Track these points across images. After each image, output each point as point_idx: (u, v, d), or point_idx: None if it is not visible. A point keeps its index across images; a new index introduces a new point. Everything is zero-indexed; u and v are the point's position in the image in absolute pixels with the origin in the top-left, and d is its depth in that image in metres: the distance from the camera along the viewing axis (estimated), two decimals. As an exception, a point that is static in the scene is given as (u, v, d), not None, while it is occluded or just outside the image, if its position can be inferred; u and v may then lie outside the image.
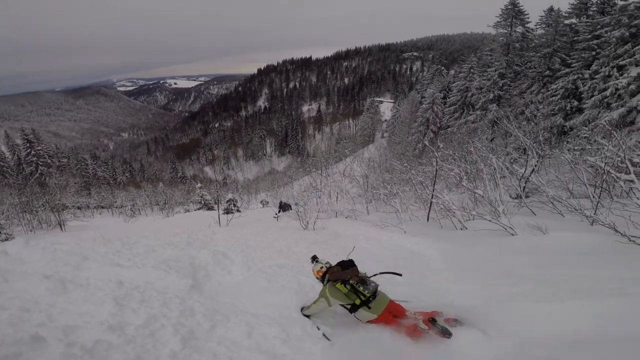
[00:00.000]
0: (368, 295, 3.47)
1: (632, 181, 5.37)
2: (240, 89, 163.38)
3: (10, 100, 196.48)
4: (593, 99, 12.75)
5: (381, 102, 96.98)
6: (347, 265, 3.81)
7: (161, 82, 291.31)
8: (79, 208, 25.94)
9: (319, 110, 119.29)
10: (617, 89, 10.62)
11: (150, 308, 3.85)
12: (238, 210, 16.51)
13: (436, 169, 9.04)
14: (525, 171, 8.46)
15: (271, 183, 36.17)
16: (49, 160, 44.72)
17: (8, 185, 27.56)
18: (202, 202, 21.67)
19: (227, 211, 15.87)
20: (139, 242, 6.66)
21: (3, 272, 4.40)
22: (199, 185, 23.86)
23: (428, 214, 8.83)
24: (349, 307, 3.61)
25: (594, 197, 6.16)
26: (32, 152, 43.34)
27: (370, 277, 3.76)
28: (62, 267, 5.02)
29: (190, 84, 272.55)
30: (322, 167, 20.79)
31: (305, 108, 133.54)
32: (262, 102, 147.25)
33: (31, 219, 13.02)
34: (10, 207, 15.61)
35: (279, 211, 13.39)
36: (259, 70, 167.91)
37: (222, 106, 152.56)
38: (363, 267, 4.32)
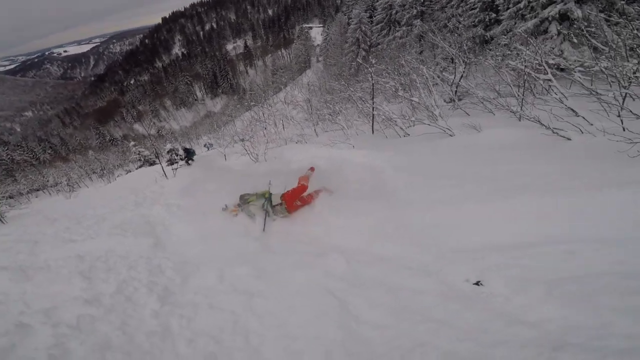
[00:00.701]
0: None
1: (550, 80, 5.76)
2: (147, 41, 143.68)
3: None
4: (509, 11, 13.28)
5: (310, 28, 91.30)
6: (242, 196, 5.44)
7: (47, 53, 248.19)
8: (11, 197, 23.14)
9: (246, 46, 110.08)
10: (529, 2, 11.09)
11: (118, 274, 3.82)
12: (182, 159, 15.67)
13: (372, 84, 9.02)
14: (454, 78, 8.79)
15: (210, 125, 34.37)
16: None
17: None
18: (142, 160, 20.33)
19: (171, 162, 14.87)
20: (87, 214, 6.27)
21: None
22: (133, 143, 22.04)
23: (372, 126, 8.94)
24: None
25: (518, 95, 6.52)
26: None
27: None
28: (17, 256, 4.74)
29: (84, 48, 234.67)
30: (262, 99, 19.84)
31: (230, 47, 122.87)
32: (177, 50, 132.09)
33: None
34: None
35: (184, 159, 10.60)
36: (164, 19, 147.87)
37: (131, 62, 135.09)
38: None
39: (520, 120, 6.04)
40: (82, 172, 28.29)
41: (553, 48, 9.64)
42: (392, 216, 4.15)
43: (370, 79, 9.17)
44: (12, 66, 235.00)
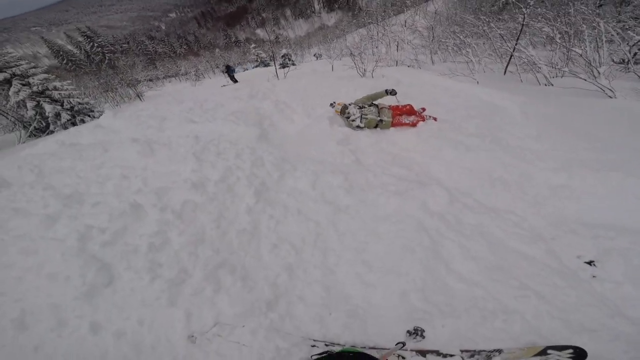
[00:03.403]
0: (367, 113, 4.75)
1: None
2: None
3: (53, 9, 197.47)
4: None
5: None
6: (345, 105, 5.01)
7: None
8: (150, 80, 27.84)
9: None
10: None
11: (225, 160, 3.89)
12: (293, 64, 15.95)
13: (522, 24, 7.37)
14: None
15: (323, 37, 33.87)
16: (112, 48, 49.33)
17: (85, 73, 30.86)
18: (259, 60, 21.67)
19: (283, 65, 15.37)
20: (208, 100, 6.84)
21: (103, 144, 4.69)
22: (253, 45, 23.13)
23: (506, 66, 7.56)
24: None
25: None
26: (95, 44, 48.24)
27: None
28: (147, 130, 5.26)
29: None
30: (379, 17, 18.00)
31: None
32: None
33: (114, 95, 14.12)
34: (93, 90, 17.62)
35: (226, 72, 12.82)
36: None
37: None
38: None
39: None
40: (208, 66, 31.42)
41: None
42: (513, 164, 3.43)
43: (520, 19, 7.66)
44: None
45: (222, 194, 3.30)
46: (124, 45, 55.70)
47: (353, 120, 4.73)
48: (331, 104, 5.31)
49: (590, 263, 2.35)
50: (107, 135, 5.36)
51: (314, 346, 1.94)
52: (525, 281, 2.22)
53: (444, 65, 9.00)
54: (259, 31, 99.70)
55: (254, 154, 4.08)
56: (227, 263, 2.58)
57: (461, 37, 10.15)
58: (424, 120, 4.64)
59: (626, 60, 6.61)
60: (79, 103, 9.43)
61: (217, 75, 25.29)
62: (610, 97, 4.98)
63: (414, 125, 4.63)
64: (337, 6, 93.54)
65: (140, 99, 10.09)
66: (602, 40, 6.03)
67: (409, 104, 4.83)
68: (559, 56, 7.50)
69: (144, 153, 4.10)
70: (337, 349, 1.88)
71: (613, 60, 7.11)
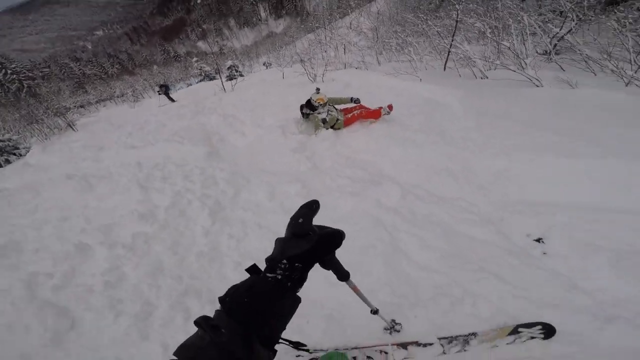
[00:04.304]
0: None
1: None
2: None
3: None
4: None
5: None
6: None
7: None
8: (81, 106, 26.23)
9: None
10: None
11: (173, 184, 3.87)
12: (241, 75, 16.06)
13: (457, 20, 8.08)
14: (560, 30, 7.43)
15: (271, 45, 34.34)
16: (30, 74, 45.30)
17: (2, 105, 28.37)
18: (203, 74, 21.36)
19: (230, 77, 15.37)
20: (149, 120, 6.63)
21: (32, 185, 4.47)
22: (195, 59, 22.79)
23: (445, 62, 8.18)
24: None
25: (635, 62, 5.35)
26: (9, 71, 43.93)
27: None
28: (82, 163, 5.06)
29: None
30: (326, 22, 18.69)
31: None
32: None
33: (40, 128, 13.06)
34: (14, 123, 15.93)
35: (161, 93, 13.14)
36: None
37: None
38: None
39: (627, 86, 5.04)
40: (146, 85, 30.25)
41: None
42: (457, 155, 3.75)
43: (454, 16, 8.33)
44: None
45: (173, 220, 3.30)
46: (44, 70, 51.84)
47: (320, 113, 4.98)
48: (317, 90, 5.39)
49: (538, 240, 2.59)
50: (37, 175, 5.09)
51: (298, 356, 2.00)
52: (483, 264, 2.41)
53: (389, 65, 9.51)
54: (200, 44, 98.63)
55: (203, 173, 4.10)
56: (192, 289, 2.59)
57: (403, 36, 10.85)
58: (379, 115, 4.93)
59: (548, 51, 7.44)
60: (0, 140, 8.64)
61: (156, 94, 24.75)
62: (537, 86, 5.56)
63: (362, 116, 5.01)
64: (284, 12, 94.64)
65: (73, 129, 9.49)
66: (527, 34, 6.75)
67: (358, 104, 5.22)
68: (490, 50, 8.25)
69: (81, 189, 3.99)
70: (321, 354, 1.94)
71: (537, 52, 7.96)
